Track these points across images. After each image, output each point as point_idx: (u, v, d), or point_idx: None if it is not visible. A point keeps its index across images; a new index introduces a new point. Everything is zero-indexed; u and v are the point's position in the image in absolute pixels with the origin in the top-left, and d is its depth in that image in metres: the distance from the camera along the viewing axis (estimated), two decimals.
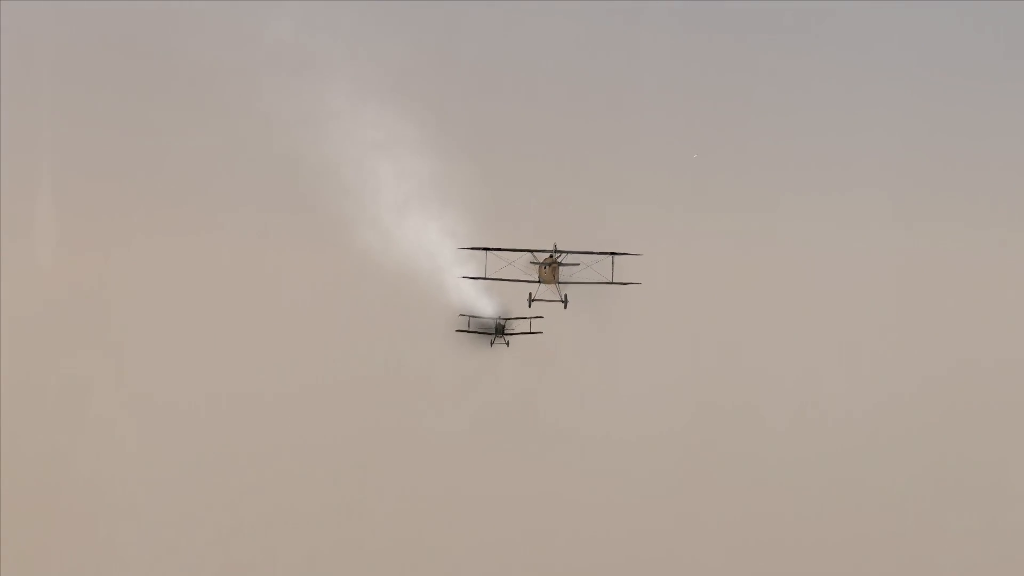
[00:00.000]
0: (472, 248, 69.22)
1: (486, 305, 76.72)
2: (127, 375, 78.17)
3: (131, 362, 78.35)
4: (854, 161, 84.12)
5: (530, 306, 70.28)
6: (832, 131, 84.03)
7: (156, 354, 78.44)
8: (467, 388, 79.01)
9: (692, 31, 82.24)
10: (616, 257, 69.08)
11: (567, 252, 69.10)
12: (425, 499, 79.17)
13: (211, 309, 78.86)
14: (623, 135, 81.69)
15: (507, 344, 77.22)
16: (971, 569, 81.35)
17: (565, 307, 69.74)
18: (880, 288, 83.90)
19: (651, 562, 79.81)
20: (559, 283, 69.47)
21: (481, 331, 77.11)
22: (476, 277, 69.74)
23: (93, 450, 77.16)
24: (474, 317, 76.77)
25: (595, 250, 69.29)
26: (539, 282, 69.56)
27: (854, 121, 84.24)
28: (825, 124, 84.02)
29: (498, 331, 76.85)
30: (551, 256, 69.17)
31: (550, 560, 79.39)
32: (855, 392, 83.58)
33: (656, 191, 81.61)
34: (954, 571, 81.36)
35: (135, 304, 78.71)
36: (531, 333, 76.96)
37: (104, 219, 78.33)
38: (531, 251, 69.26)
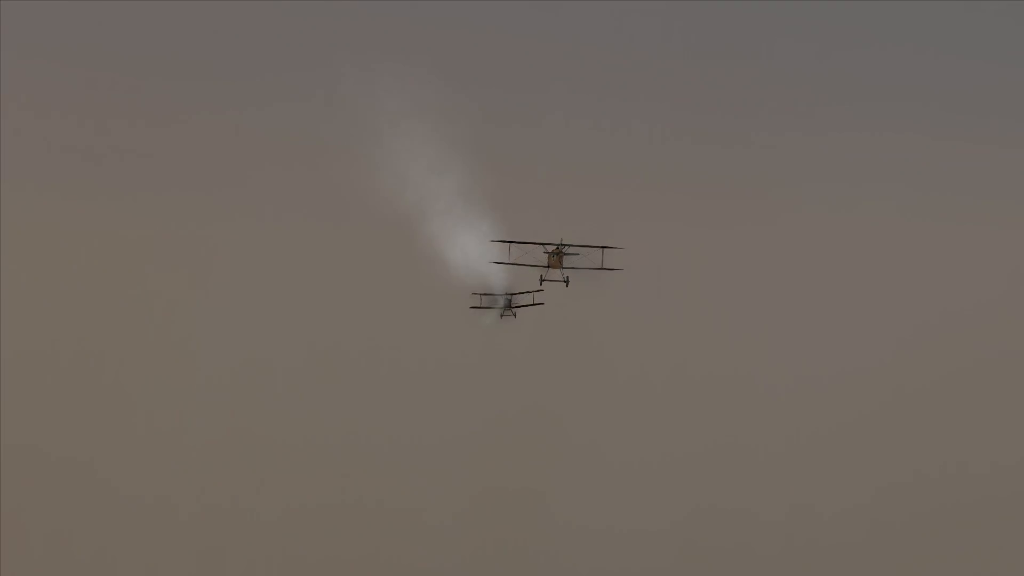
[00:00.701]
0: (500, 241, 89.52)
1: (497, 284, 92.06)
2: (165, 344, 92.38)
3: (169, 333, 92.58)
4: (821, 157, 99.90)
5: (541, 283, 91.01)
6: (803, 129, 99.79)
7: (188, 330, 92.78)
8: (484, 347, 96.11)
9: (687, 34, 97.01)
10: (605, 250, 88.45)
11: (570, 245, 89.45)
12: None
13: (245, 284, 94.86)
14: (621, 148, 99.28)
15: (514, 316, 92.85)
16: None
17: (567, 286, 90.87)
18: (815, 272, 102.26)
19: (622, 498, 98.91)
20: (563, 268, 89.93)
21: (492, 306, 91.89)
22: (503, 262, 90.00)
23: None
24: (485, 295, 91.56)
25: (589, 243, 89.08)
26: (548, 267, 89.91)
27: (835, 121, 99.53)
28: (803, 125, 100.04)
29: (506, 306, 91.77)
30: (557, 247, 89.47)
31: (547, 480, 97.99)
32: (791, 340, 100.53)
33: (642, 197, 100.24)
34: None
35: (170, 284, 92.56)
36: (535, 305, 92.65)
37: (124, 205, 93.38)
38: (543, 244, 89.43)
